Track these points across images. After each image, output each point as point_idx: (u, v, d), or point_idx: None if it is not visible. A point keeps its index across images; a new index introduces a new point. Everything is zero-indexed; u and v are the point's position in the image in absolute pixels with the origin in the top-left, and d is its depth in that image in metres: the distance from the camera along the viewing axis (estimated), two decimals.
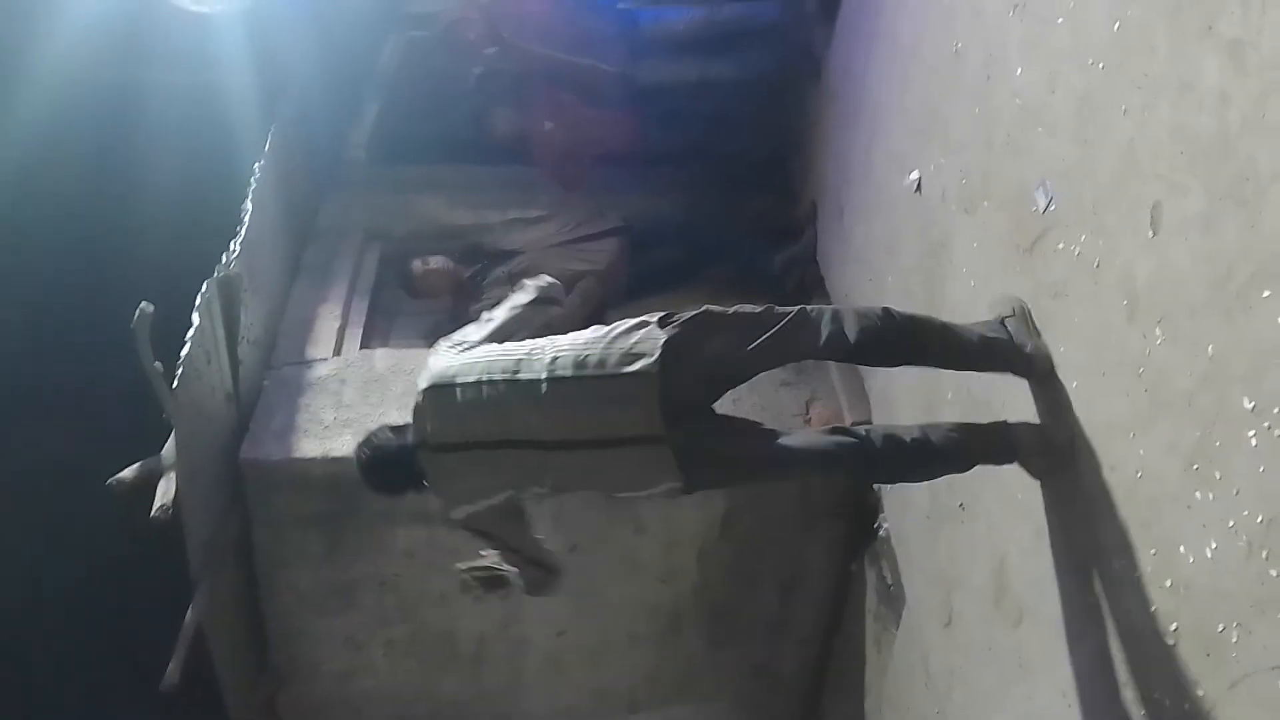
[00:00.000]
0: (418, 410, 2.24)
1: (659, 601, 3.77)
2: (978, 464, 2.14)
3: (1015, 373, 2.15)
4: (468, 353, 2.24)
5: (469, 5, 4.10)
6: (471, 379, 2.16)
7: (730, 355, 2.07)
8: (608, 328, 2.11)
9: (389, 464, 2.31)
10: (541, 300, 2.41)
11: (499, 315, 2.37)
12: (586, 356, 2.06)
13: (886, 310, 2.09)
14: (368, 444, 2.34)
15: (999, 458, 2.14)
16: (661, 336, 2.03)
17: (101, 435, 3.54)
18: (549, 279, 2.48)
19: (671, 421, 2.00)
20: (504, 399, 2.12)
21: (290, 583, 3.52)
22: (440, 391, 2.20)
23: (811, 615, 3.84)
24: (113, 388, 3.22)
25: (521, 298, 2.41)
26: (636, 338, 2.05)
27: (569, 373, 2.06)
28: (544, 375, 2.08)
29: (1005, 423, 2.16)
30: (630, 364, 2.01)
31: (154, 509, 2.84)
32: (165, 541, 2.89)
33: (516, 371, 2.12)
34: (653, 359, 2.00)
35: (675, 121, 4.36)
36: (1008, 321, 2.14)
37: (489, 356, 2.19)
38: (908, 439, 2.05)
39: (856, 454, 2.06)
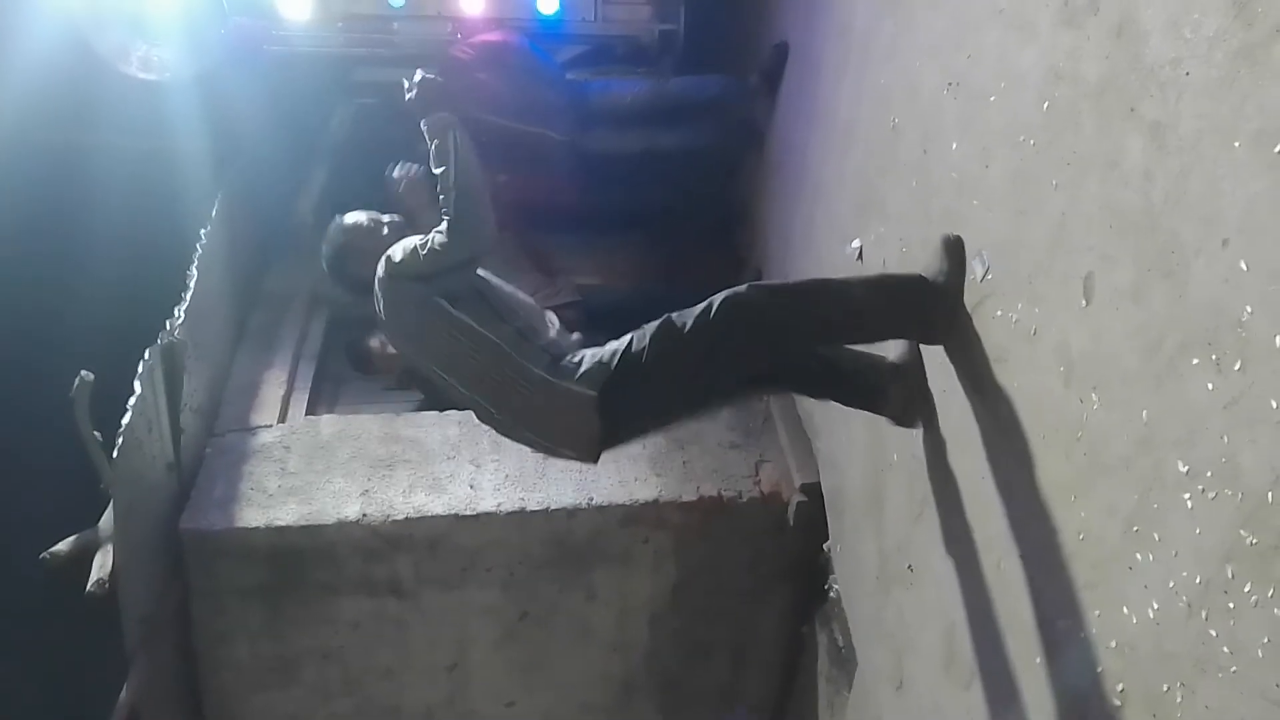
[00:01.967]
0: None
1: (610, 671, 3.72)
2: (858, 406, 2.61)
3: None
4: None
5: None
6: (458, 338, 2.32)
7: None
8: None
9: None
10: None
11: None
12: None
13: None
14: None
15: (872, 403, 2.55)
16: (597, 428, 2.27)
17: (37, 506, 3.42)
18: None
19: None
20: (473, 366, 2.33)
21: (230, 657, 3.41)
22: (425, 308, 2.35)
23: (764, 681, 3.82)
24: (50, 457, 3.14)
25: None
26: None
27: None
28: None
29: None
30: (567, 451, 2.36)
31: (90, 583, 2.75)
32: (99, 617, 2.80)
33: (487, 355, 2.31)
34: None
35: (622, 190, 4.43)
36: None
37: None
38: (814, 367, 2.47)
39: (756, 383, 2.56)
